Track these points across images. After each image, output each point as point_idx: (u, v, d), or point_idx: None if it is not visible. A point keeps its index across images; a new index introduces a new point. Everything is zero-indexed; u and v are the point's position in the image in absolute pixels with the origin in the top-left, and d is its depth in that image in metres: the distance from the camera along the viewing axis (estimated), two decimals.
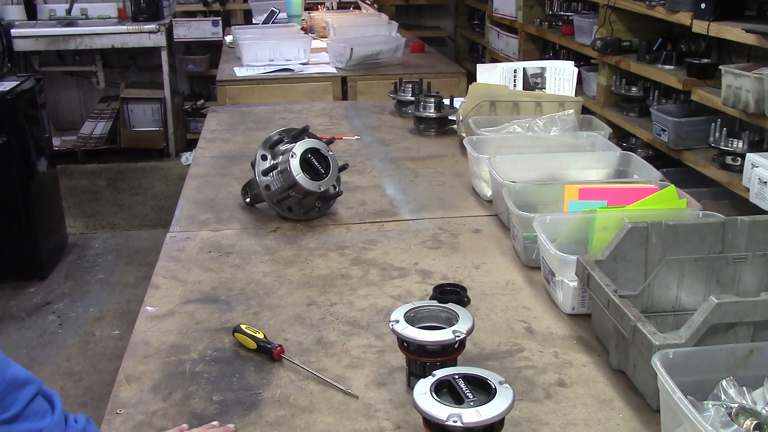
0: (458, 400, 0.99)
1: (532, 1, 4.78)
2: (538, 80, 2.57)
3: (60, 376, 3.10)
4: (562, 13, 4.41)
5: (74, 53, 5.94)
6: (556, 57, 4.42)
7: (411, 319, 1.19)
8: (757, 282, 1.34)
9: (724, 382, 1.05)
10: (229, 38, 4.51)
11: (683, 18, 2.84)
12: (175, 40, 5.88)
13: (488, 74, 2.60)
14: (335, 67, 3.80)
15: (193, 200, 2.09)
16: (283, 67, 3.78)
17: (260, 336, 1.34)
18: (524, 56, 4.79)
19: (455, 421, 0.94)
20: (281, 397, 1.22)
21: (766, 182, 2.14)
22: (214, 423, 1.15)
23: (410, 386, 1.21)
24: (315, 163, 1.85)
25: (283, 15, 4.71)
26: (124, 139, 5.88)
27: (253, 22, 5.01)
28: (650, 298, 1.33)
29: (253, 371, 1.29)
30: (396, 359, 1.30)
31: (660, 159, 3.12)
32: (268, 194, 1.87)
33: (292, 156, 1.82)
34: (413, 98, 2.85)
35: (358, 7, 5.21)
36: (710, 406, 1.02)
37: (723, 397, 1.04)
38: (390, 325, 1.18)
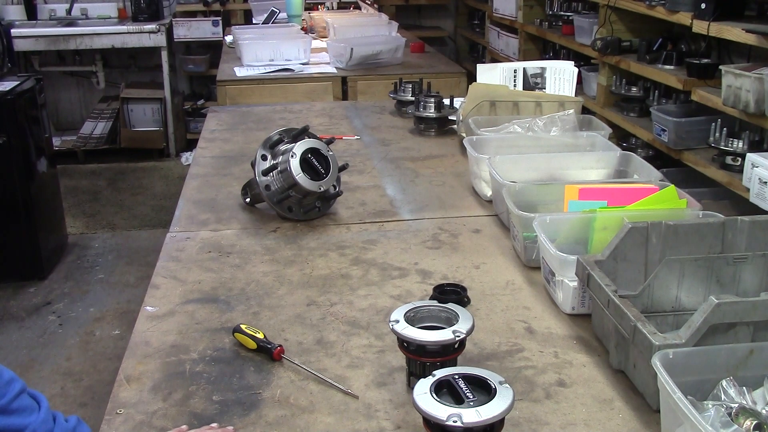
0: (458, 400, 0.99)
1: (532, 1, 4.78)
2: (538, 80, 2.57)
3: (60, 376, 3.10)
4: (562, 13, 4.41)
5: (74, 53, 5.94)
6: (556, 57, 4.42)
7: (411, 319, 1.19)
8: (757, 282, 1.34)
9: (724, 382, 1.05)
10: (229, 38, 4.51)
11: (683, 18, 2.84)
12: (175, 40, 5.88)
13: (488, 74, 2.60)
14: (335, 67, 3.80)
15: (193, 200, 2.09)
16: (283, 67, 3.77)
17: (260, 336, 1.34)
18: (524, 56, 4.80)
19: (455, 421, 0.94)
20: (281, 397, 1.22)
21: (766, 182, 2.14)
22: (213, 425, 1.15)
23: (410, 386, 1.21)
24: (315, 163, 1.85)
25: (283, 15, 4.71)
26: (124, 139, 5.88)
27: (253, 22, 5.01)
28: (650, 298, 1.33)
29: (253, 371, 1.29)
30: (396, 359, 1.30)
31: (660, 159, 3.12)
32: (268, 194, 1.87)
33: (292, 156, 1.82)
34: (413, 98, 2.85)
35: (358, 7, 5.21)
36: (710, 406, 1.02)
37: (723, 397, 1.04)
38: (390, 325, 1.18)
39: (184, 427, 1.14)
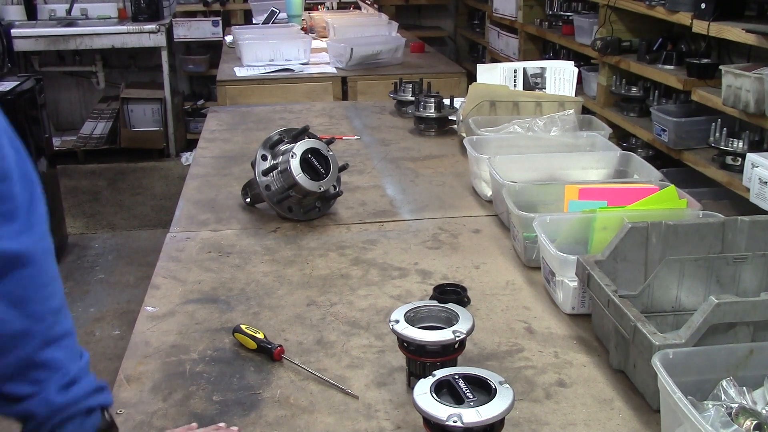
0: (458, 400, 0.99)
1: (532, 1, 4.78)
2: (538, 80, 2.57)
3: None
4: (562, 13, 4.41)
5: (74, 53, 5.94)
6: (556, 57, 4.42)
7: (411, 319, 1.19)
8: (757, 282, 1.34)
9: (724, 382, 1.05)
10: (229, 38, 4.51)
11: (683, 18, 2.84)
12: (175, 40, 5.88)
13: (488, 74, 2.60)
14: (335, 67, 3.80)
15: (193, 200, 2.09)
16: (283, 67, 3.77)
17: (260, 336, 1.34)
18: (524, 56, 4.80)
19: (455, 421, 0.94)
20: (281, 397, 1.22)
21: (766, 182, 2.14)
22: (221, 424, 1.14)
23: (410, 386, 1.21)
24: (315, 163, 1.85)
25: (283, 15, 4.71)
26: (124, 139, 5.88)
27: (253, 22, 5.01)
28: (650, 298, 1.33)
29: (253, 371, 1.29)
30: (396, 359, 1.30)
31: (660, 159, 3.12)
32: (268, 194, 1.87)
33: (292, 156, 1.82)
34: (413, 98, 2.84)
35: (358, 7, 5.21)
36: (710, 406, 1.02)
37: (723, 397, 1.04)
38: (390, 325, 1.18)
39: (194, 424, 1.14)
